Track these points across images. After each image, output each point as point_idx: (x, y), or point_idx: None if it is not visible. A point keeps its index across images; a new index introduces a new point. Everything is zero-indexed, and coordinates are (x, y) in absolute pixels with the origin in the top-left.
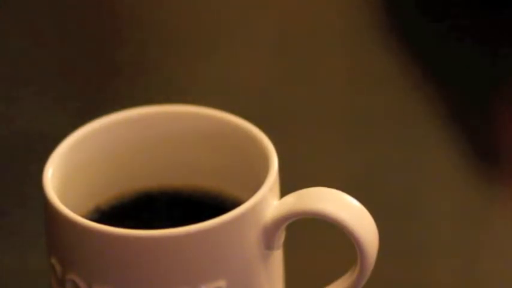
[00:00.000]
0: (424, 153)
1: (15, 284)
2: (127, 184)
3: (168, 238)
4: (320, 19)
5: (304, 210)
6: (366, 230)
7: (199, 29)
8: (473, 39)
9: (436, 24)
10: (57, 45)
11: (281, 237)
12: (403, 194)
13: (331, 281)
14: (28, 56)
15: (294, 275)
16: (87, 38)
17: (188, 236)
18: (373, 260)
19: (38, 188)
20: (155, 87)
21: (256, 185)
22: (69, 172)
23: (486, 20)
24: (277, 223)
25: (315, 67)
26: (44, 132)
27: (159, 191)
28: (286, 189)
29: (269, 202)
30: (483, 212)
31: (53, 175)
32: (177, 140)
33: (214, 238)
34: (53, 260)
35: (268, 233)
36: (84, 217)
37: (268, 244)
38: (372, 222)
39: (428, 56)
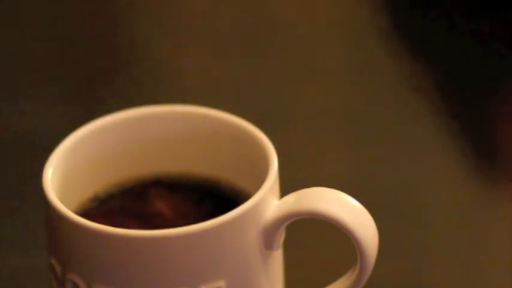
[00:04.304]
0: (424, 153)
1: (15, 284)
2: (127, 184)
3: (168, 238)
4: (320, 19)
5: (304, 210)
6: (366, 230)
7: (199, 29)
8: (474, 39)
9: (436, 24)
10: (57, 46)
11: (281, 237)
12: (403, 194)
13: (331, 281)
14: (28, 56)
15: (294, 275)
16: (87, 38)
17: (188, 236)
18: (373, 260)
19: (38, 188)
20: (155, 87)
21: (256, 184)
22: (69, 172)
23: (486, 20)
24: (277, 223)
25: (315, 67)
26: (44, 132)
27: (158, 188)
28: (286, 189)
29: (269, 202)
30: (483, 212)
31: (53, 175)
32: (177, 140)
33: (214, 238)
34: (53, 260)
35: (268, 233)
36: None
37: (268, 244)
38: (372, 222)
39: (428, 56)
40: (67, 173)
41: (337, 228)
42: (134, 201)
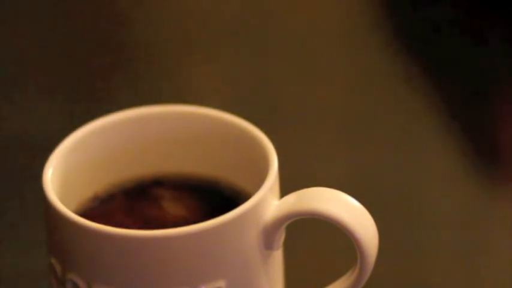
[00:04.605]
0: (424, 153)
1: (15, 284)
2: (127, 183)
3: (168, 238)
4: (320, 19)
5: (304, 210)
6: (366, 230)
7: (199, 29)
8: (474, 38)
9: (436, 24)
10: (57, 46)
11: (281, 237)
12: (403, 194)
13: (331, 281)
14: (28, 56)
15: (294, 275)
16: (87, 38)
17: (188, 236)
18: (373, 260)
19: (38, 188)
20: (155, 87)
21: (256, 184)
22: (69, 172)
23: (487, 19)
24: (277, 223)
25: (315, 67)
26: (44, 132)
27: (158, 188)
28: (286, 189)
29: (269, 202)
30: (483, 212)
31: (53, 175)
32: (177, 140)
33: (214, 238)
34: (53, 260)
35: (268, 233)
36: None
37: (268, 244)
38: (372, 222)
39: (428, 56)
40: (67, 173)
41: (337, 228)
42: (134, 201)
